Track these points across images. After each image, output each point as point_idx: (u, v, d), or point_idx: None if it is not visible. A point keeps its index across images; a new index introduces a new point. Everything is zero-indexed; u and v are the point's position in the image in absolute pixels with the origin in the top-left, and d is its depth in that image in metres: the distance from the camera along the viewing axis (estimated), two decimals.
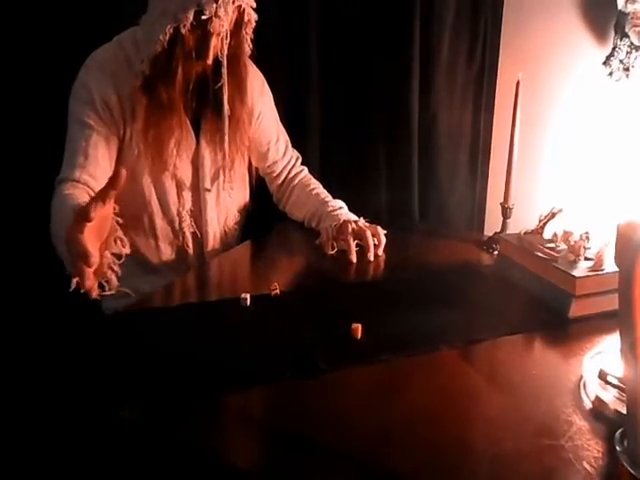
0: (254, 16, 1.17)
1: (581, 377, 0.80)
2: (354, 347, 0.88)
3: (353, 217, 1.32)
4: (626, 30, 1.55)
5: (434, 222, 1.70)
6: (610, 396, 0.74)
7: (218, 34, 1.12)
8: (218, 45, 1.14)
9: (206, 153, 1.30)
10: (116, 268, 0.91)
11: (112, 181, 0.79)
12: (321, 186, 1.45)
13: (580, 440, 0.68)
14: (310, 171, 1.51)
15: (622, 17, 1.56)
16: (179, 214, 1.31)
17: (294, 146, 1.50)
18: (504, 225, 1.32)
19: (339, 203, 1.37)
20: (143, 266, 1.33)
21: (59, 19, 1.50)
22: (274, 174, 1.47)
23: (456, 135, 1.68)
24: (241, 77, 1.25)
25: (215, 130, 1.27)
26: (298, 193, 1.44)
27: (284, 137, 1.47)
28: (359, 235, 1.25)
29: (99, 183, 1.15)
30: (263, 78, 1.41)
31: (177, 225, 1.32)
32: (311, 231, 1.37)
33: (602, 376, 0.76)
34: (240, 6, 1.13)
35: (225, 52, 1.15)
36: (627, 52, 1.57)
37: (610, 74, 1.60)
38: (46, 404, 0.73)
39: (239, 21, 1.16)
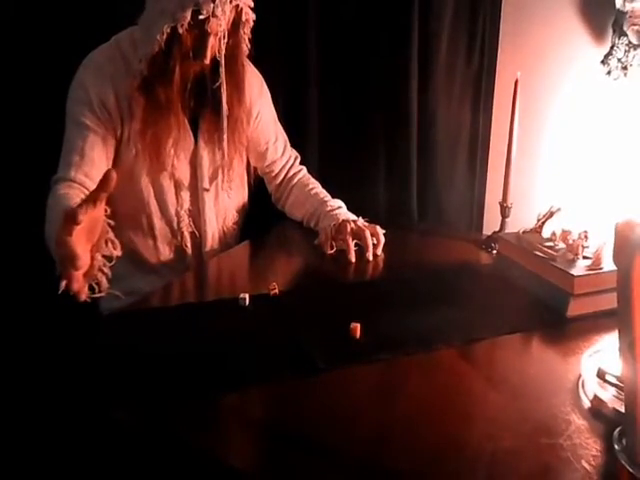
0: (252, 16, 1.18)
1: (579, 376, 0.80)
2: (353, 346, 0.88)
3: (352, 217, 1.32)
4: (624, 29, 1.55)
5: (433, 221, 1.70)
6: (608, 395, 0.74)
7: (216, 34, 1.12)
8: (216, 45, 1.14)
9: (204, 153, 1.30)
10: (106, 270, 0.91)
11: (103, 183, 0.79)
12: (320, 186, 1.45)
13: (579, 439, 0.68)
14: (309, 171, 1.51)
15: (620, 16, 1.56)
16: (177, 214, 1.31)
17: (293, 146, 1.50)
18: (503, 224, 1.32)
19: (338, 202, 1.37)
20: (142, 266, 1.33)
21: (57, 19, 1.50)
22: (273, 174, 1.47)
23: (455, 134, 1.68)
24: (239, 77, 1.24)
25: (213, 130, 1.27)
26: (297, 193, 1.44)
27: (283, 137, 1.47)
28: (358, 235, 1.25)
29: (95, 183, 1.14)
30: (261, 78, 1.41)
31: (175, 225, 1.31)
32: (310, 231, 1.37)
33: (600, 375, 0.76)
34: (238, 6, 1.13)
35: (223, 52, 1.15)
36: (625, 51, 1.57)
37: (608, 73, 1.60)
38: (43, 405, 0.73)
39: (237, 21, 1.16)
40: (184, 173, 1.29)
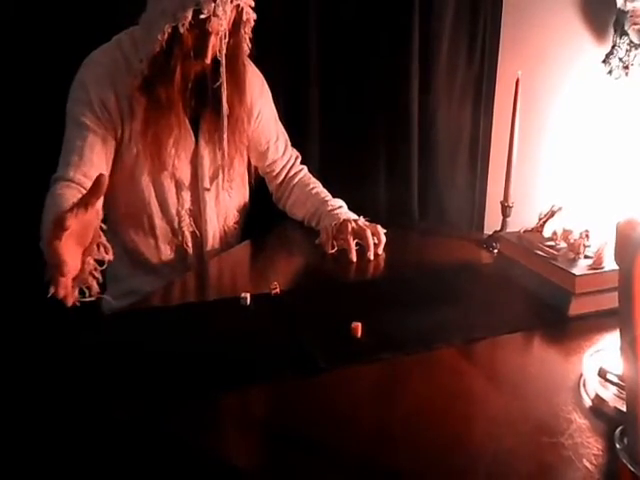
0: (253, 15, 1.17)
1: (581, 375, 0.80)
2: (354, 346, 0.88)
3: (353, 216, 1.32)
4: (625, 28, 1.55)
5: (434, 221, 1.70)
6: (610, 394, 0.74)
7: (217, 33, 1.12)
8: (217, 44, 1.14)
9: (205, 152, 1.30)
10: (97, 274, 0.91)
11: (94, 188, 0.79)
12: (321, 185, 1.45)
13: (580, 438, 0.68)
14: (310, 170, 1.51)
15: (621, 15, 1.56)
16: (178, 214, 1.31)
17: (294, 145, 1.50)
18: (504, 224, 1.32)
19: (339, 202, 1.37)
20: (142, 266, 1.33)
21: (58, 19, 1.50)
22: (274, 173, 1.47)
23: (456, 134, 1.68)
24: (240, 76, 1.24)
25: (214, 129, 1.27)
26: (298, 192, 1.44)
27: (283, 136, 1.47)
28: (359, 234, 1.25)
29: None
30: (262, 77, 1.41)
31: (176, 225, 1.32)
32: (311, 230, 1.37)
33: (602, 374, 0.76)
34: (239, 5, 1.13)
35: (224, 51, 1.15)
36: (626, 50, 1.57)
37: (609, 72, 1.60)
38: (43, 404, 0.73)
39: (238, 20, 1.16)
40: (185, 173, 1.29)
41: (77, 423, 0.70)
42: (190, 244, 1.34)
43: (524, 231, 1.16)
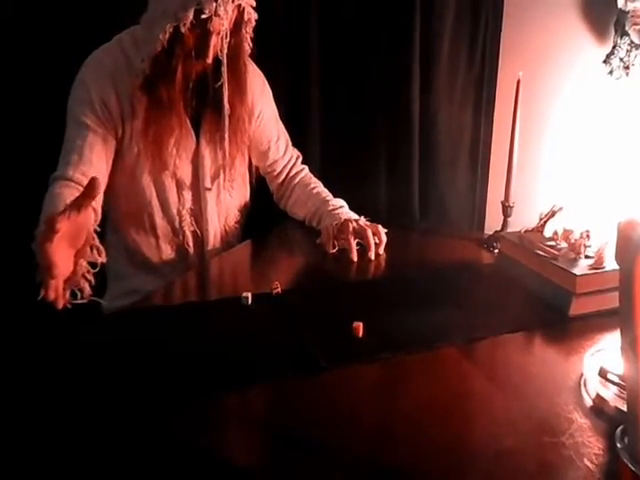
0: (254, 15, 1.18)
1: (581, 375, 0.80)
2: (355, 345, 0.88)
3: (354, 216, 1.32)
4: (626, 28, 1.55)
5: (434, 221, 1.70)
6: (610, 393, 0.74)
7: (218, 33, 1.12)
8: (218, 44, 1.14)
9: (206, 152, 1.30)
10: (90, 277, 0.90)
11: (88, 190, 0.79)
12: (322, 185, 1.45)
13: (581, 437, 0.68)
14: (311, 170, 1.51)
15: (622, 15, 1.56)
16: (179, 213, 1.31)
17: (294, 145, 1.50)
18: (504, 223, 1.32)
19: (340, 202, 1.37)
20: (143, 265, 1.33)
21: (59, 19, 1.50)
22: (274, 173, 1.47)
23: (456, 134, 1.68)
24: (241, 76, 1.25)
25: (215, 129, 1.28)
26: (299, 192, 1.44)
27: (284, 136, 1.47)
28: (360, 234, 1.25)
29: None
30: (263, 77, 1.41)
31: (177, 224, 1.32)
32: (312, 230, 1.37)
33: (602, 374, 0.76)
34: (240, 5, 1.13)
35: (225, 51, 1.15)
36: (627, 50, 1.57)
37: (610, 72, 1.60)
38: (43, 404, 0.73)
39: (239, 20, 1.16)
40: (186, 172, 1.29)
41: (78, 423, 0.70)
42: (191, 243, 1.34)
43: (525, 231, 1.16)
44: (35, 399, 0.74)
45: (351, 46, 1.59)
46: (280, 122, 1.46)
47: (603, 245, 1.00)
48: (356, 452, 0.67)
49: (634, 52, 1.56)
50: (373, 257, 1.24)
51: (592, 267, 1.00)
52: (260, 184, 1.50)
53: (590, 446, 0.66)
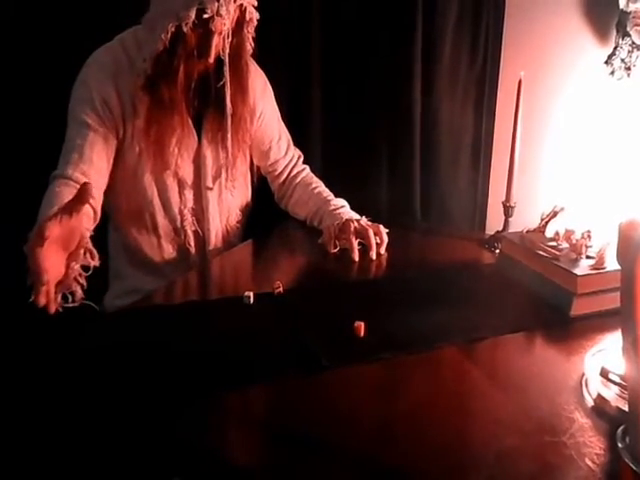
0: (256, 15, 1.18)
1: (583, 375, 0.80)
2: (357, 345, 0.88)
3: (355, 216, 1.32)
4: (628, 29, 1.55)
5: (436, 221, 1.70)
6: (612, 393, 0.74)
7: (220, 33, 1.12)
8: (220, 44, 1.14)
9: (208, 152, 1.30)
10: (82, 280, 0.90)
11: (80, 195, 0.80)
12: (323, 185, 1.45)
13: (582, 437, 0.68)
14: (312, 170, 1.51)
15: (624, 16, 1.56)
16: (181, 212, 1.31)
17: (296, 145, 1.50)
18: (506, 224, 1.32)
19: (341, 202, 1.38)
20: (145, 264, 1.33)
21: (60, 18, 1.50)
22: (276, 173, 1.47)
23: (458, 134, 1.68)
24: (243, 76, 1.25)
25: (217, 129, 1.28)
26: (300, 192, 1.45)
27: (286, 136, 1.47)
28: (361, 234, 1.25)
29: (92, 181, 1.15)
30: (265, 77, 1.41)
31: (179, 224, 1.32)
32: (313, 230, 1.38)
33: (604, 374, 0.76)
34: (242, 5, 1.13)
35: (227, 51, 1.15)
36: (629, 51, 1.57)
37: (612, 73, 1.60)
38: (44, 404, 0.73)
39: (241, 20, 1.16)
40: (187, 172, 1.29)
41: (78, 422, 0.70)
42: (192, 243, 1.34)
43: (526, 231, 1.16)
44: (36, 399, 0.74)
45: (352, 46, 1.59)
46: (281, 122, 1.46)
47: (604, 245, 1.01)
48: (357, 451, 0.67)
49: (635, 53, 1.56)
50: (374, 257, 1.24)
51: (593, 267, 1.00)
52: (261, 184, 1.50)
53: (591, 446, 0.66)
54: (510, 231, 1.29)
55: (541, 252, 1.07)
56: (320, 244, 1.29)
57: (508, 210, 1.31)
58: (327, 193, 1.41)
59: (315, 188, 1.43)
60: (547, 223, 1.14)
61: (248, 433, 0.72)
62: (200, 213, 1.33)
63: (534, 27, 1.63)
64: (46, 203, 1.07)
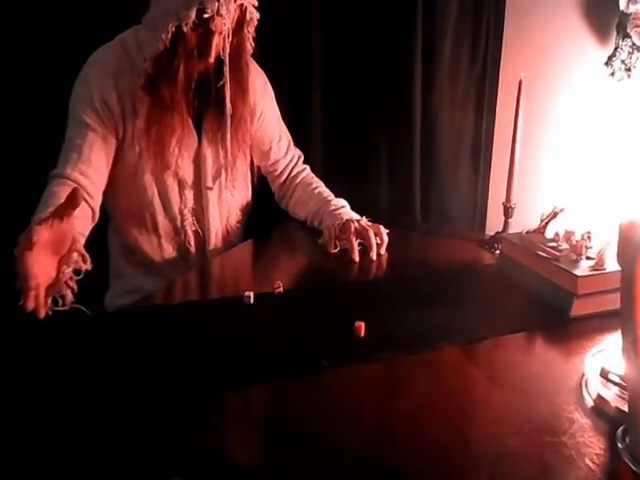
0: (256, 15, 1.18)
1: (583, 375, 0.80)
2: (357, 345, 0.88)
3: (355, 216, 1.32)
4: (628, 31, 1.55)
5: (436, 221, 1.71)
6: (612, 394, 0.74)
7: (220, 33, 1.12)
8: (220, 44, 1.14)
9: (208, 152, 1.30)
10: (72, 284, 0.89)
11: (69, 201, 0.79)
12: (323, 185, 1.45)
13: (582, 437, 0.68)
14: (312, 170, 1.51)
15: (624, 18, 1.56)
16: (181, 212, 1.31)
17: (296, 145, 1.50)
18: (506, 224, 1.32)
19: (341, 202, 1.38)
20: (145, 264, 1.33)
21: (61, 18, 1.50)
22: (276, 173, 1.47)
23: (458, 134, 1.68)
24: (243, 76, 1.25)
25: (217, 129, 1.28)
26: (300, 192, 1.45)
27: (286, 136, 1.47)
28: (362, 234, 1.25)
29: (90, 181, 1.16)
30: (265, 77, 1.41)
31: (179, 223, 1.32)
32: (313, 230, 1.38)
33: (604, 374, 0.76)
34: (242, 5, 1.13)
35: (227, 51, 1.15)
36: (629, 52, 1.57)
37: (612, 74, 1.60)
38: (43, 404, 0.73)
39: (241, 20, 1.16)
40: (188, 172, 1.29)
41: (79, 422, 0.70)
42: (193, 243, 1.34)
43: (526, 232, 1.16)
44: (35, 399, 0.74)
45: (353, 46, 1.60)
46: (282, 122, 1.46)
47: (604, 246, 1.01)
48: (357, 451, 0.67)
49: (636, 54, 1.57)
50: (375, 257, 1.24)
51: (593, 268, 1.00)
52: (262, 184, 1.50)
53: (591, 446, 0.66)
54: (510, 232, 1.29)
55: (541, 253, 1.07)
56: (320, 244, 1.29)
57: (508, 211, 1.31)
58: (327, 193, 1.41)
59: (315, 188, 1.43)
60: (547, 224, 1.14)
61: (248, 433, 0.72)
62: (200, 213, 1.33)
63: (534, 28, 1.64)
64: (42, 203, 1.07)
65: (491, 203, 1.72)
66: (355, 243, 1.24)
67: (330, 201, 1.37)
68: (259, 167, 1.47)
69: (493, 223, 1.66)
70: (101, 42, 1.24)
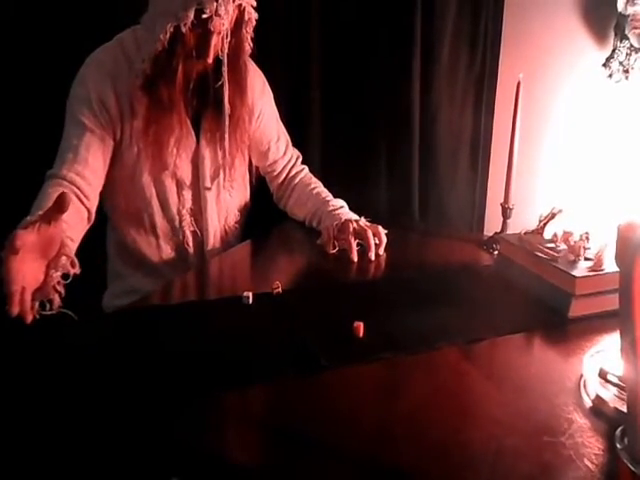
0: (254, 15, 1.18)
1: (581, 376, 0.80)
2: (356, 345, 0.88)
3: (354, 216, 1.32)
4: (626, 32, 1.56)
5: (434, 222, 1.71)
6: (610, 394, 0.74)
7: (219, 33, 1.12)
8: (219, 44, 1.14)
9: (206, 152, 1.30)
10: (60, 288, 0.88)
11: (57, 205, 0.79)
12: (322, 185, 1.45)
13: (581, 438, 0.68)
14: (311, 170, 1.51)
15: (622, 19, 1.56)
16: (179, 213, 1.31)
17: (295, 145, 1.50)
18: (504, 225, 1.33)
19: (340, 202, 1.38)
20: (143, 265, 1.33)
21: (60, 18, 1.50)
22: (274, 173, 1.47)
23: (456, 135, 1.69)
24: (241, 76, 1.25)
25: (215, 129, 1.28)
26: (299, 192, 1.45)
27: (284, 136, 1.47)
28: (360, 234, 1.25)
29: (86, 182, 1.15)
30: (264, 77, 1.41)
31: (177, 224, 1.32)
32: (312, 230, 1.38)
33: (602, 374, 0.76)
34: (241, 5, 1.13)
35: (226, 51, 1.15)
36: (627, 54, 1.58)
37: (610, 76, 1.60)
38: (42, 404, 0.73)
39: (239, 20, 1.16)
40: (186, 172, 1.29)
41: (76, 423, 0.70)
42: (191, 243, 1.34)
43: (524, 233, 1.16)
44: (33, 399, 0.74)
45: (352, 46, 1.60)
46: (280, 122, 1.46)
47: (602, 247, 1.01)
48: (356, 451, 0.67)
49: (634, 56, 1.57)
50: (373, 257, 1.24)
51: (591, 269, 1.00)
52: (260, 184, 1.50)
53: (590, 446, 0.66)
54: (508, 232, 1.29)
55: (539, 254, 1.07)
56: (319, 245, 1.29)
57: (506, 211, 1.31)
58: (326, 194, 1.41)
59: (314, 188, 1.43)
60: (545, 225, 1.14)
61: (247, 433, 0.72)
62: (198, 213, 1.33)
63: (533, 28, 1.64)
64: (36, 204, 1.07)
65: (489, 203, 1.73)
66: (354, 243, 1.24)
67: (328, 201, 1.37)
68: (257, 167, 1.47)
69: (491, 224, 1.66)
70: (99, 42, 1.23)
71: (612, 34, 1.61)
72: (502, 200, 1.31)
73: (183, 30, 1.08)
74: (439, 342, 0.89)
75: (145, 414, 0.72)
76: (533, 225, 1.17)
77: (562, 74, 1.66)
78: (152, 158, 1.23)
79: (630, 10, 1.54)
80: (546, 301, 1.03)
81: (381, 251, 1.26)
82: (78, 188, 1.13)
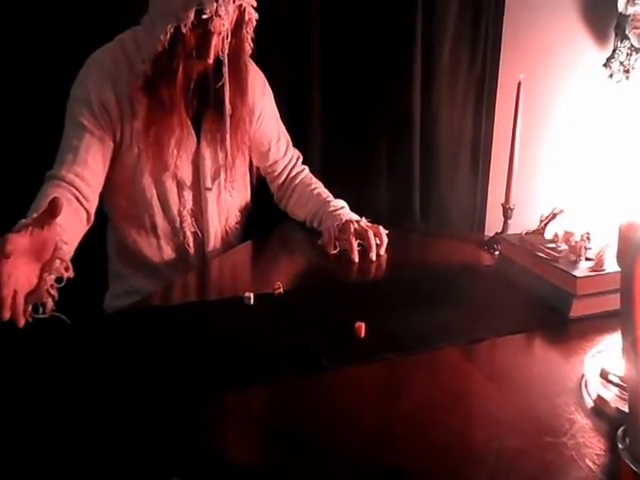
0: (255, 15, 1.18)
1: (582, 376, 0.80)
2: (357, 345, 0.88)
3: (355, 217, 1.32)
4: (626, 32, 1.56)
5: (435, 222, 1.71)
6: (612, 394, 0.74)
7: (219, 33, 1.12)
8: (219, 44, 1.14)
9: (207, 153, 1.30)
10: (54, 292, 0.87)
11: (50, 210, 0.79)
12: (322, 185, 1.45)
13: (582, 438, 0.68)
14: (311, 171, 1.51)
15: (622, 19, 1.56)
16: (180, 214, 1.31)
17: (295, 146, 1.50)
18: (505, 225, 1.33)
19: (340, 203, 1.38)
20: (144, 265, 1.33)
21: (60, 19, 1.50)
22: (275, 173, 1.47)
23: (457, 136, 1.69)
24: (242, 76, 1.25)
25: (216, 129, 1.28)
26: (299, 193, 1.45)
27: (285, 136, 1.47)
28: (361, 235, 1.25)
29: (86, 184, 1.15)
30: (264, 77, 1.41)
31: (178, 225, 1.32)
32: (312, 231, 1.38)
33: (603, 375, 0.76)
34: (241, 5, 1.13)
35: (226, 51, 1.15)
36: (627, 54, 1.58)
37: (610, 76, 1.60)
38: (42, 405, 0.73)
39: (240, 20, 1.16)
40: (186, 173, 1.29)
41: (78, 423, 0.70)
42: (192, 244, 1.34)
43: (525, 233, 1.16)
44: (34, 400, 0.74)
45: (352, 47, 1.60)
46: (281, 122, 1.46)
47: (603, 247, 1.01)
48: (357, 452, 0.67)
49: (634, 56, 1.57)
50: (374, 258, 1.24)
51: (592, 269, 1.00)
52: (261, 185, 1.50)
53: (591, 447, 0.66)
54: (509, 233, 1.29)
55: (540, 254, 1.07)
56: (320, 245, 1.29)
57: (507, 212, 1.31)
58: (326, 194, 1.41)
59: (314, 189, 1.43)
60: (546, 225, 1.14)
61: (248, 433, 0.72)
62: (199, 214, 1.33)
63: (533, 29, 1.64)
64: (34, 205, 1.07)
65: (490, 204, 1.73)
66: (354, 244, 1.24)
67: (329, 202, 1.37)
68: (258, 168, 1.47)
69: (492, 224, 1.66)
70: (100, 43, 1.23)
71: (612, 34, 1.60)
72: (503, 200, 1.31)
73: (183, 31, 1.08)
74: (440, 342, 0.89)
75: (146, 414, 0.72)
76: (534, 225, 1.17)
77: (563, 74, 1.66)
78: (153, 159, 1.23)
79: (630, 10, 1.54)
80: (547, 301, 1.03)
81: (382, 251, 1.26)
82: (77, 189, 1.13)
